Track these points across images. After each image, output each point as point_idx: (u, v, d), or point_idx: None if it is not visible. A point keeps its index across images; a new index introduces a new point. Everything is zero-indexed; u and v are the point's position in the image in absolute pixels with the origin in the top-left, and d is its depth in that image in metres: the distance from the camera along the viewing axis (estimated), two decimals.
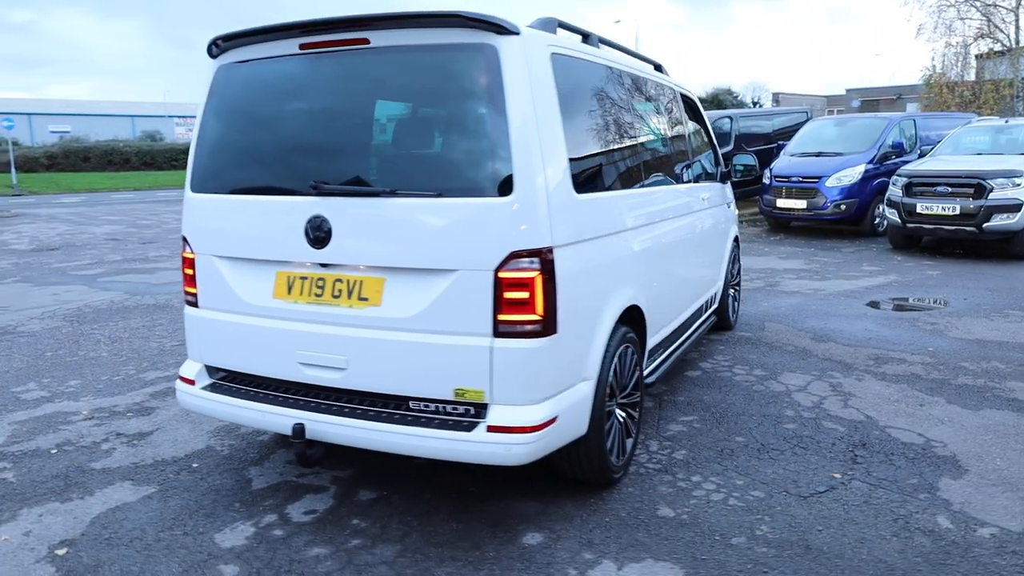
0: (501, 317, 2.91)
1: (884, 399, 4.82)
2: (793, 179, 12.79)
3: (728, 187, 6.32)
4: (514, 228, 2.89)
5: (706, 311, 5.68)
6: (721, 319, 6.28)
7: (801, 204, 12.65)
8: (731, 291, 6.50)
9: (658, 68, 5.14)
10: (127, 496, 3.64)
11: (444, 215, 2.97)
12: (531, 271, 2.89)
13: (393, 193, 3.04)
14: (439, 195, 2.97)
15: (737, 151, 14.72)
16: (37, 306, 8.37)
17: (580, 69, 3.53)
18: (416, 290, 3.03)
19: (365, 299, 3.12)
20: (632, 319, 3.81)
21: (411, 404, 3.11)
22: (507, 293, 2.90)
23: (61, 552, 3.15)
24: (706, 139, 5.85)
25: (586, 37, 3.87)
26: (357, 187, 3.10)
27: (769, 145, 15.91)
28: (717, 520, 3.34)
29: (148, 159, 43.60)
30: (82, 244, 14.13)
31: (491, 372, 2.94)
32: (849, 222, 12.63)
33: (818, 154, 13.13)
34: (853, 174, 12.31)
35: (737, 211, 6.86)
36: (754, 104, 51.43)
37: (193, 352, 3.65)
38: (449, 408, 3.05)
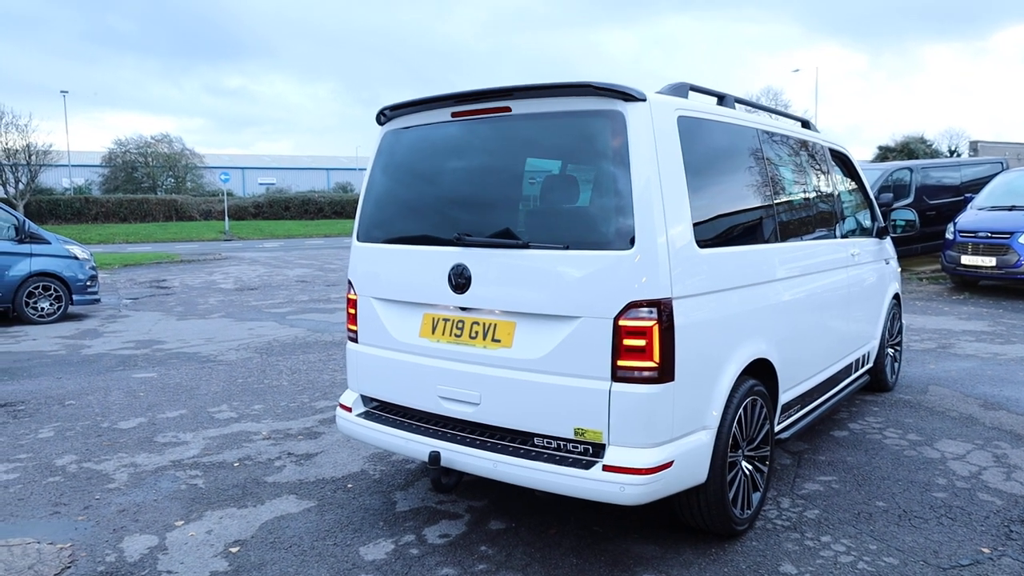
0: (619, 363, 3.10)
1: None
2: (981, 234, 11.87)
3: (887, 243, 6.10)
4: (634, 280, 3.09)
5: (856, 370, 5.48)
6: (877, 379, 6.01)
7: (990, 261, 11.69)
8: (890, 350, 6.20)
9: (805, 124, 5.15)
10: (291, 508, 4.13)
11: (570, 266, 3.22)
12: (649, 320, 3.06)
13: (526, 245, 3.34)
14: (567, 247, 3.24)
15: (917, 204, 13.88)
16: (235, 339, 9.49)
17: (710, 130, 3.69)
18: (543, 334, 3.29)
19: (498, 340, 3.42)
20: (762, 372, 3.84)
21: (535, 440, 3.34)
22: (625, 340, 3.08)
23: (234, 550, 3.65)
24: (860, 194, 5.71)
25: (721, 99, 4.03)
26: (495, 239, 3.43)
27: (957, 198, 14.83)
28: None
29: (339, 208, 47.48)
30: (277, 285, 15.73)
31: (609, 414, 3.12)
32: None
33: (1011, 208, 12.10)
34: None
35: (900, 268, 6.56)
36: (951, 153, 47.82)
37: (352, 383, 4.11)
38: (570, 446, 3.26)
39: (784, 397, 4.14)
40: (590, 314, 3.16)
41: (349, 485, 4.44)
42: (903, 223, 6.00)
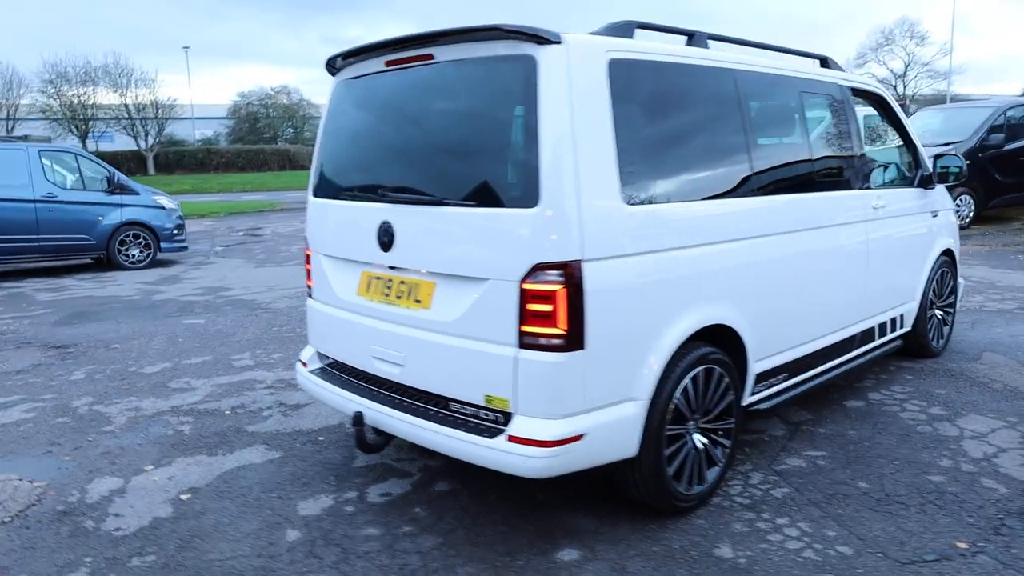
0: (524, 328, 2.91)
1: None
2: None
3: (936, 192, 5.43)
4: (543, 240, 2.87)
5: (883, 334, 4.97)
6: (918, 344, 5.44)
7: None
8: (938, 312, 5.60)
9: (824, 63, 4.61)
10: (256, 458, 4.22)
11: (480, 224, 3.04)
12: (555, 284, 2.85)
13: (440, 202, 3.17)
14: (477, 204, 3.05)
15: None
16: (295, 287, 9.78)
17: (659, 73, 3.34)
18: (458, 296, 3.14)
19: (419, 301, 3.30)
20: (724, 339, 3.53)
21: (452, 405, 3.22)
22: (530, 305, 2.89)
23: (185, 497, 3.77)
24: (897, 137, 5.10)
25: (691, 37, 3.64)
26: (413, 195, 3.29)
27: None
28: (776, 571, 3.00)
29: None
30: None
31: (515, 382, 2.95)
32: None
33: None
34: None
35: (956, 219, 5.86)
36: None
37: (310, 338, 4.12)
38: (482, 414, 3.12)
39: (760, 366, 3.80)
40: (497, 276, 2.97)
41: (320, 438, 4.49)
42: (954, 171, 5.32)
